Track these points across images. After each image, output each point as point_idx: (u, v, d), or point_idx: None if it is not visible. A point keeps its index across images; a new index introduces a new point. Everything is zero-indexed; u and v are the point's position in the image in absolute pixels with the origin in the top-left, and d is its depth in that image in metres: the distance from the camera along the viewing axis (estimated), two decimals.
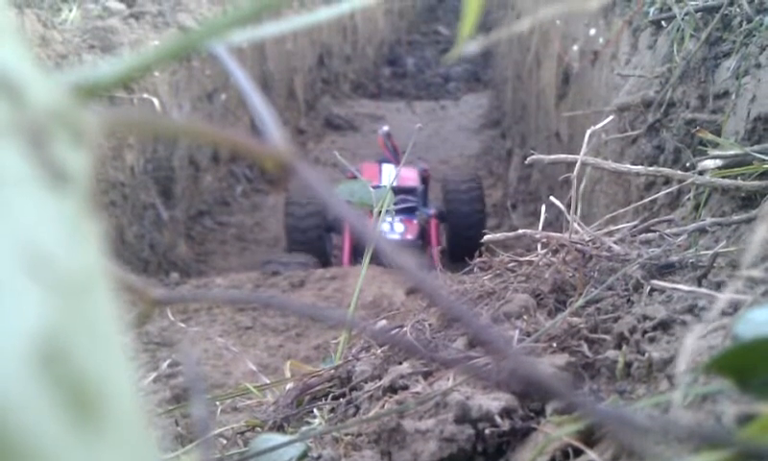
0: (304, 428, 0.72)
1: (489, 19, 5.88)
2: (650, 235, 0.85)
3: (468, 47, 0.27)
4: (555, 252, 0.82)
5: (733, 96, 1.07)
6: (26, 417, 0.12)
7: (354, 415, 0.71)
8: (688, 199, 1.01)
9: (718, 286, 0.66)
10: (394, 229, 2.92)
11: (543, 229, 0.87)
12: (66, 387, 0.13)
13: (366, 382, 0.74)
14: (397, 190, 2.92)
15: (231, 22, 0.23)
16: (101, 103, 0.21)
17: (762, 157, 0.87)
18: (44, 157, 0.17)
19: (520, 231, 0.87)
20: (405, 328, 0.78)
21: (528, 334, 0.67)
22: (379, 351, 0.78)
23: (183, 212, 3.09)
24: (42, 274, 0.15)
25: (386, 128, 3.54)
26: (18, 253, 0.14)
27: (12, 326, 0.13)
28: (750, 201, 0.86)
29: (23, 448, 0.12)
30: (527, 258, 0.85)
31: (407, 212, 3.00)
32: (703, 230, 0.83)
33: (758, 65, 1.04)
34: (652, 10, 1.51)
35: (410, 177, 3.21)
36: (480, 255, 0.88)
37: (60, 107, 0.19)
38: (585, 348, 0.63)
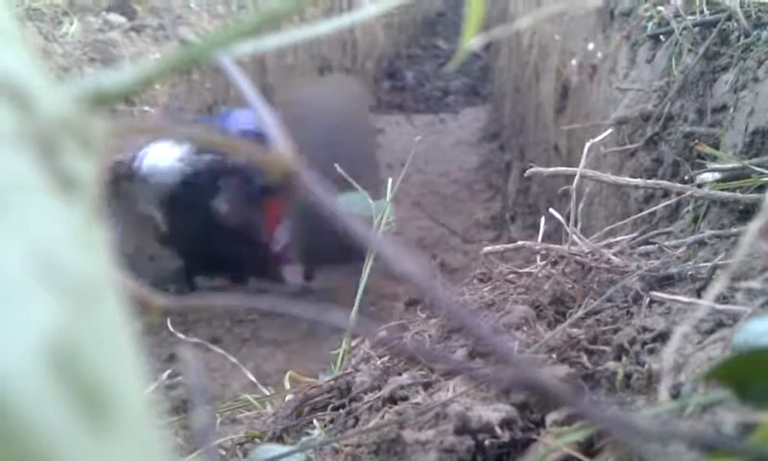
0: (304, 439, 0.72)
1: (487, 33, 5.89)
2: (649, 247, 0.86)
3: (472, 44, 0.28)
4: (554, 263, 0.82)
5: (732, 110, 1.08)
6: (39, 419, 0.12)
7: (354, 426, 0.71)
8: (687, 211, 1.01)
9: (717, 298, 0.66)
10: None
11: (543, 240, 0.87)
12: (77, 390, 0.13)
13: (365, 393, 0.74)
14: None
15: (233, 35, 0.24)
16: (102, 115, 0.21)
17: (760, 170, 0.87)
18: (54, 165, 0.17)
19: (520, 243, 0.88)
20: (405, 339, 0.78)
21: (528, 346, 0.67)
22: (379, 361, 0.78)
23: None
24: (52, 279, 0.15)
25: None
26: (29, 258, 0.15)
27: (23, 330, 0.13)
28: (748, 214, 0.87)
29: (37, 450, 0.12)
30: (526, 270, 0.85)
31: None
32: (702, 243, 0.83)
33: (756, 79, 1.04)
34: (650, 24, 1.52)
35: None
36: None
37: (68, 115, 0.19)
38: (584, 359, 0.63)
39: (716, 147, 1.04)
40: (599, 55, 2.01)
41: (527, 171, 0.93)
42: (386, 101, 5.67)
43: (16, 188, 0.16)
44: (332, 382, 0.81)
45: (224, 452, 0.75)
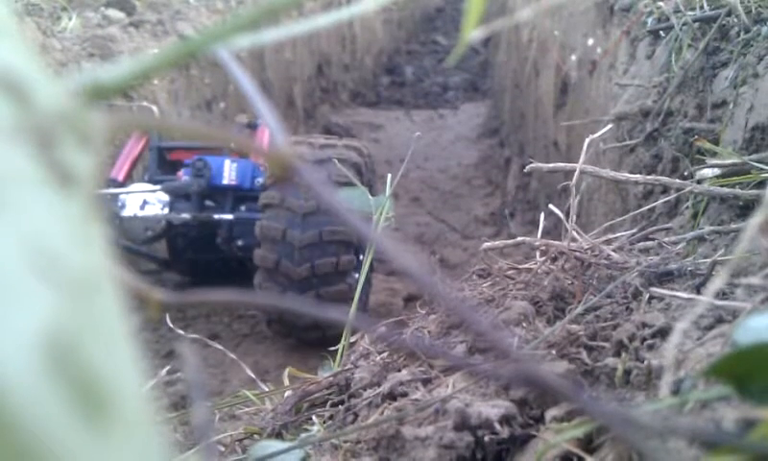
0: (303, 435, 0.72)
1: (486, 27, 5.88)
2: (648, 243, 0.86)
3: (473, 36, 0.28)
4: (554, 259, 0.82)
5: (731, 105, 1.08)
6: (37, 412, 0.12)
7: (353, 422, 0.71)
8: (687, 207, 1.01)
9: (717, 294, 0.66)
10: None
11: (542, 236, 0.87)
12: (75, 384, 0.13)
13: (365, 389, 0.74)
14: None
15: (231, 30, 0.23)
16: (100, 110, 0.21)
17: (760, 166, 0.87)
18: (52, 159, 0.17)
19: (519, 239, 0.88)
20: (404, 335, 0.78)
21: (527, 342, 0.67)
22: (378, 358, 0.78)
23: None
24: (50, 273, 0.15)
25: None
26: (26, 252, 0.15)
27: (20, 324, 0.13)
28: (748, 209, 0.87)
29: (34, 446, 0.12)
30: (526, 266, 0.85)
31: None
32: (701, 239, 0.83)
33: (756, 75, 1.04)
34: (650, 20, 1.52)
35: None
36: None
37: (66, 110, 0.19)
38: (584, 355, 0.63)
39: (716, 143, 1.04)
40: (599, 50, 2.01)
41: (526, 167, 0.93)
42: (385, 96, 5.67)
43: (14, 182, 0.16)
44: (331, 378, 0.80)
45: (223, 448, 0.75)
